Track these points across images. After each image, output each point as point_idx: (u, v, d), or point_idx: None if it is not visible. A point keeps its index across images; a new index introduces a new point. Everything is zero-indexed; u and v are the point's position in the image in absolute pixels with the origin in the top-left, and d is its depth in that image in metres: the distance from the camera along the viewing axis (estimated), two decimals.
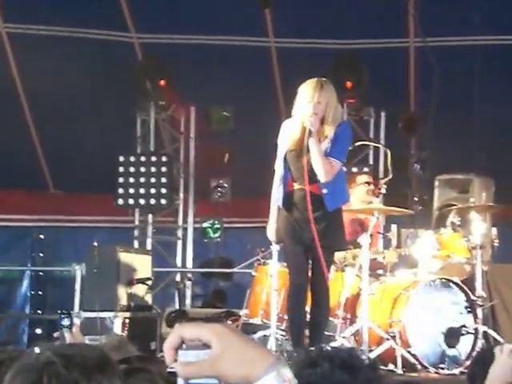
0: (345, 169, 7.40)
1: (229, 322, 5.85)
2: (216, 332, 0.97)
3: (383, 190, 5.55)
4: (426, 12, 7.51)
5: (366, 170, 7.40)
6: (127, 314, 5.44)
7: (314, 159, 4.28)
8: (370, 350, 4.70)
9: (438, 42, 7.68)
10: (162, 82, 7.98)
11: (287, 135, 4.45)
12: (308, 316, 4.59)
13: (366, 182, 5.77)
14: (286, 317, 4.95)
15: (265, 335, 5.03)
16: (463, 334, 4.85)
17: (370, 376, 1.20)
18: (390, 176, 5.49)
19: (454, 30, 7.66)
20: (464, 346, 4.86)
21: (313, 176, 4.35)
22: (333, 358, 1.18)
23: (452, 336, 4.83)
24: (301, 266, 4.53)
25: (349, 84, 7.76)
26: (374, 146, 7.60)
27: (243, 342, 0.97)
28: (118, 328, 5.28)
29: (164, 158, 7.96)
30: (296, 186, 4.45)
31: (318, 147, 4.30)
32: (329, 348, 1.22)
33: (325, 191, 4.35)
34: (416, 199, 7.66)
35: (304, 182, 4.38)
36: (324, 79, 4.44)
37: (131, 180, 7.84)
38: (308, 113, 4.28)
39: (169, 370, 1.01)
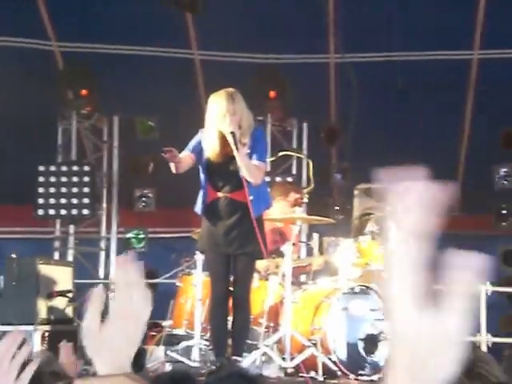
0: (268, 178, 7.60)
1: (153, 333, 5.80)
2: None
3: (305, 200, 5.65)
4: (347, 29, 7.73)
5: (289, 179, 7.52)
6: (47, 328, 5.32)
7: (243, 164, 4.35)
8: (292, 358, 4.77)
9: (356, 57, 7.92)
10: (84, 92, 7.88)
11: (207, 147, 4.49)
12: (230, 325, 4.62)
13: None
14: (209, 327, 4.97)
15: (188, 346, 5.03)
16: (381, 341, 4.97)
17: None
18: (312, 186, 5.60)
19: (373, 46, 7.92)
20: (383, 353, 4.98)
21: (237, 183, 4.40)
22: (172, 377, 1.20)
23: (371, 343, 4.95)
24: (222, 276, 4.56)
25: (272, 94, 7.89)
26: (297, 157, 7.74)
27: None
28: (37, 342, 5.16)
29: (86, 168, 7.85)
30: (220, 194, 4.49)
31: (244, 153, 4.37)
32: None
33: (251, 198, 4.43)
34: (337, 208, 7.83)
35: (228, 190, 4.43)
36: (233, 90, 4.49)
37: (52, 190, 7.70)
38: (226, 123, 4.35)
39: None
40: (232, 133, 4.32)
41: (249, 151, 4.44)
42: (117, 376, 0.97)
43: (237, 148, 4.30)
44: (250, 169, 4.37)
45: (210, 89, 8.04)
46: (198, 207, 4.57)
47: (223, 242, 4.48)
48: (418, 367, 0.74)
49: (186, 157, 4.48)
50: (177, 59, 8.15)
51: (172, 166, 4.41)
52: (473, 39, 7.93)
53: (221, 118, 4.37)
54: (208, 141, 4.47)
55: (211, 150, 4.46)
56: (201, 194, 4.57)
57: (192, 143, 4.53)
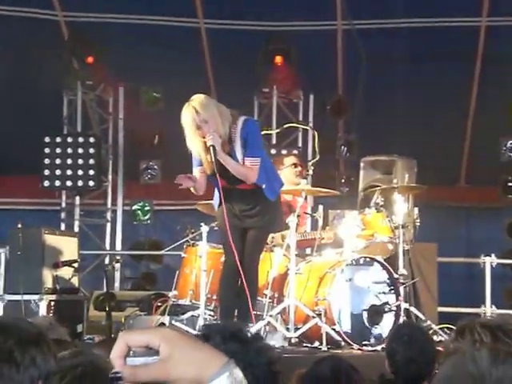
0: (274, 151, 7.57)
1: (158, 304, 5.84)
2: (163, 336, 0.96)
3: (311, 172, 5.64)
4: None
5: (294, 152, 7.49)
6: (53, 297, 5.36)
7: (233, 171, 4.42)
8: (297, 328, 4.80)
9: (364, 24, 7.79)
10: (90, 59, 7.84)
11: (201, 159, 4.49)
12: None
13: (294, 164, 5.84)
14: (214, 297, 5.00)
15: (193, 316, 5.06)
16: (386, 312, 4.99)
17: (260, 345, 1.25)
18: (317, 158, 5.58)
19: (381, 13, 7.76)
20: (387, 324, 5.01)
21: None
22: (223, 331, 1.22)
23: (375, 314, 4.96)
24: (236, 248, 4.60)
25: (278, 59, 7.78)
26: (303, 129, 7.70)
27: (192, 344, 0.96)
28: (43, 311, 5.20)
29: (91, 139, 7.85)
30: (230, 186, 4.54)
31: (231, 161, 4.41)
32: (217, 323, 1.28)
33: (264, 186, 4.51)
34: (343, 181, 7.81)
35: (237, 183, 4.47)
36: (197, 99, 4.39)
37: (58, 161, 7.71)
38: (206, 136, 4.33)
39: (112, 375, 0.99)
40: (212, 146, 4.31)
41: (242, 149, 4.43)
42: (162, 328, 0.98)
43: (215, 161, 4.30)
44: (241, 173, 4.44)
45: (217, 58, 8.02)
46: (216, 202, 4.63)
47: (239, 217, 4.55)
48: None
49: (200, 175, 4.51)
50: (182, 28, 8.08)
51: (192, 190, 4.45)
52: (481, 5, 7.77)
53: (195, 132, 4.36)
54: (198, 152, 4.46)
55: (204, 160, 4.47)
56: (216, 191, 4.61)
57: (195, 157, 4.51)
